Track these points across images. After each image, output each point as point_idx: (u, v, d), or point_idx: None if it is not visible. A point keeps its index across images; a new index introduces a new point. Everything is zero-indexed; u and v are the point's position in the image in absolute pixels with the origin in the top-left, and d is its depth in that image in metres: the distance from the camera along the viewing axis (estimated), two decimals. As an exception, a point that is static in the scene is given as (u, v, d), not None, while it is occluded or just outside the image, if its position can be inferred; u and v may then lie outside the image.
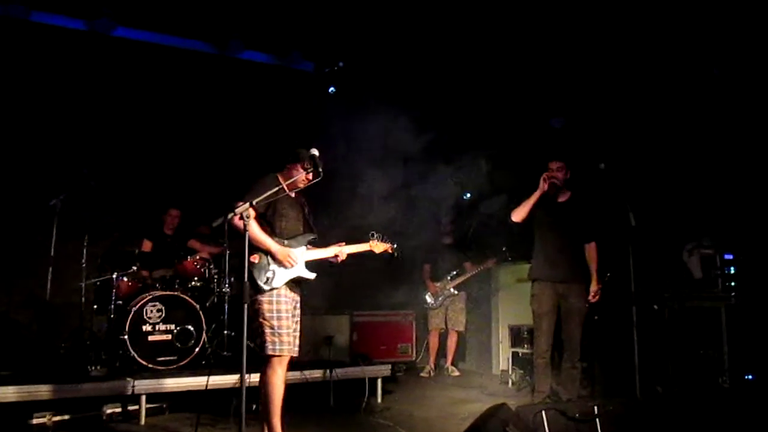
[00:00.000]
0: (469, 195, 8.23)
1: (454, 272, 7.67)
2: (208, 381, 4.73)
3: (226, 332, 6.19)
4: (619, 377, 5.58)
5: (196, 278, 6.37)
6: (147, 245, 6.76)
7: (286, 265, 4.06)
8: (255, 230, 3.95)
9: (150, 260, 6.48)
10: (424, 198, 7.37)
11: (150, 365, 5.63)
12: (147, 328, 5.80)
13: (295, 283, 4.20)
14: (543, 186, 5.29)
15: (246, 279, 3.68)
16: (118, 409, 5.16)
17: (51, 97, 6.71)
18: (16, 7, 6.24)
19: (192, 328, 5.94)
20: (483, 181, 7.78)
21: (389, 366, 6.22)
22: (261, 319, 4.01)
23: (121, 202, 6.74)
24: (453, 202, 7.90)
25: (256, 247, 4.00)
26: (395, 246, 4.53)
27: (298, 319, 4.23)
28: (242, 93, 7.45)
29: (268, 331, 3.99)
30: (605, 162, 5.15)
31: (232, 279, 6.27)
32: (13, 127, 6.62)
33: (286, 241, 4.13)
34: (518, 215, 5.46)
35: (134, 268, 6.14)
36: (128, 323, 5.70)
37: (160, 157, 7.23)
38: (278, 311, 4.04)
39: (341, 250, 4.27)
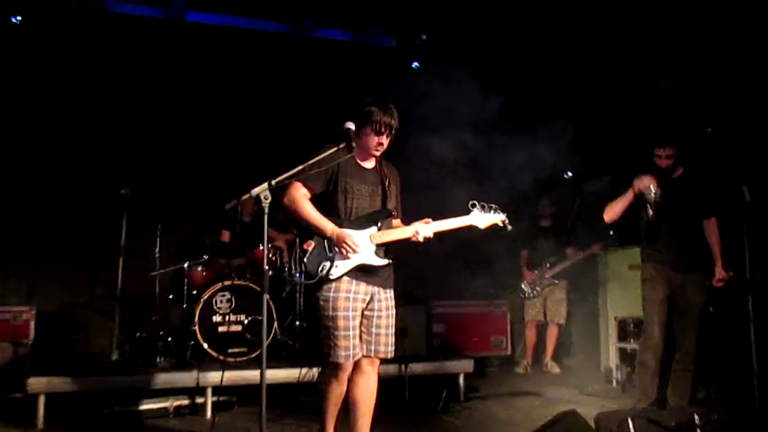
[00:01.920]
0: (570, 173, 7.66)
1: (554, 259, 7.18)
2: (263, 375, 4.54)
3: (298, 323, 6.02)
4: (738, 381, 4.85)
5: (267, 267, 6.21)
6: (225, 234, 6.74)
7: (343, 251, 3.50)
8: (305, 210, 3.50)
9: (227, 249, 6.45)
10: (520, 177, 6.74)
11: (220, 357, 5.58)
12: (217, 318, 5.78)
13: (366, 273, 3.59)
14: (630, 196, 4.78)
15: (265, 268, 3.35)
16: (186, 402, 5.14)
17: (123, 85, 6.83)
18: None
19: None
20: (586, 156, 7.16)
21: (471, 361, 5.83)
22: (318, 319, 3.58)
23: (195, 190, 6.77)
24: (553, 181, 7.42)
25: (309, 232, 3.56)
26: (505, 218, 3.73)
27: (383, 314, 3.65)
28: (319, 73, 7.27)
29: (324, 333, 3.54)
30: (712, 126, 4.43)
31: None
32: (85, 115, 6.78)
33: (350, 223, 3.58)
34: (609, 215, 4.93)
35: (205, 257, 6.12)
36: (197, 313, 5.71)
37: (237, 143, 7.19)
38: (334, 309, 3.50)
39: (425, 228, 3.57)
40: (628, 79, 7.03)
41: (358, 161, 3.69)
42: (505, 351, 7.47)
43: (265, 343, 3.41)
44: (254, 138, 7.18)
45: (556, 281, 7.17)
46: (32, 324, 6.12)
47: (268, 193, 3.21)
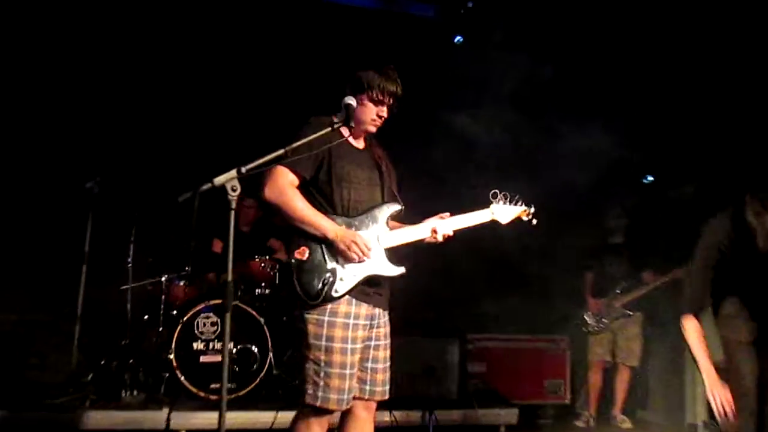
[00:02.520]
0: (650, 178, 7.30)
1: (627, 284, 6.68)
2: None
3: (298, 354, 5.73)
4: None
5: (263, 284, 6.00)
6: (217, 245, 6.52)
7: (352, 258, 3.21)
8: (296, 203, 3.21)
9: (216, 262, 6.24)
10: (582, 178, 6.54)
11: (200, 393, 5.39)
12: (198, 345, 5.57)
13: (369, 289, 3.31)
14: None
15: (230, 280, 2.96)
16: (155, 449, 4.93)
17: (87, 54, 6.65)
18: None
19: (255, 348, 5.62)
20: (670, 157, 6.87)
21: (516, 410, 5.55)
22: (303, 349, 3.24)
23: (182, 185, 6.47)
24: (625, 187, 7.09)
25: (302, 234, 3.25)
26: (531, 210, 3.69)
27: (382, 344, 3.42)
28: (338, 47, 6.88)
29: (310, 367, 3.20)
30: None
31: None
32: (39, 91, 6.62)
33: (351, 220, 3.32)
34: None
35: (187, 269, 5.91)
36: (175, 339, 5.50)
37: (239, 126, 6.89)
38: (329, 338, 3.18)
39: (444, 225, 3.41)
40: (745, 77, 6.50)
41: (350, 140, 3.45)
42: (563, 399, 7.11)
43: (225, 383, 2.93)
44: (261, 122, 6.87)
45: (629, 313, 6.70)
46: None
47: (236, 182, 2.93)
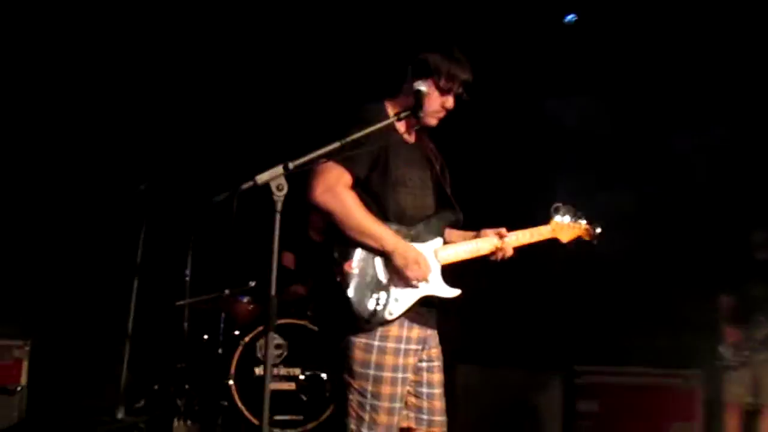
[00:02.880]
0: None
1: None
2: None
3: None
4: None
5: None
6: (287, 258, 6.42)
7: (409, 278, 3.01)
8: (354, 208, 3.01)
9: (286, 276, 6.15)
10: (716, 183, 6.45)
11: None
12: (261, 371, 5.53)
13: (426, 306, 3.13)
14: None
15: (273, 293, 2.76)
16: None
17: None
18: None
19: (325, 376, 5.57)
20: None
21: None
22: (347, 376, 3.04)
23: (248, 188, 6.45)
24: None
25: (349, 243, 3.04)
26: (597, 230, 3.54)
27: (436, 366, 3.25)
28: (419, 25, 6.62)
29: (354, 399, 3.02)
30: None
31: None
32: (84, 94, 6.70)
33: (406, 230, 3.12)
34: None
35: (252, 283, 5.76)
36: (235, 362, 5.50)
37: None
38: (379, 366, 3.00)
39: (505, 241, 3.23)
40: None
41: (403, 135, 3.26)
42: (693, 446, 6.75)
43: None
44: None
45: (778, 345, 6.38)
46: (25, 364, 5.95)
47: (283, 180, 2.74)
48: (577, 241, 3.54)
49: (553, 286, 6.44)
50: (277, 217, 2.73)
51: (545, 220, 3.47)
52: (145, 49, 6.73)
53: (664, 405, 6.64)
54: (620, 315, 6.79)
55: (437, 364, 3.25)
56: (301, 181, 2.92)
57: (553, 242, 3.46)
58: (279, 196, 2.69)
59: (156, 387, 5.63)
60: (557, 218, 3.47)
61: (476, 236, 3.27)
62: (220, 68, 6.90)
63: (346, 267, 2.98)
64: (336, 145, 2.87)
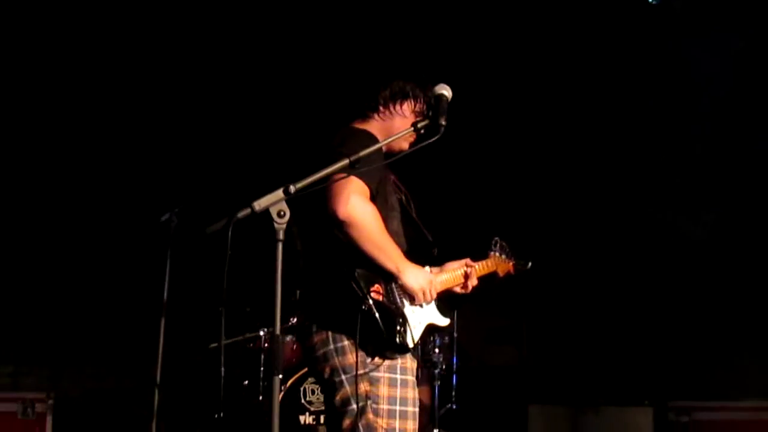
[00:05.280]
0: None
1: None
2: None
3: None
4: None
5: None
6: None
7: (420, 300, 3.08)
8: (377, 224, 2.96)
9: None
10: None
11: None
12: (307, 419, 5.26)
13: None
14: None
15: (278, 332, 2.58)
16: None
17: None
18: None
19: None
20: None
21: None
22: (372, 416, 2.94)
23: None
24: None
25: (369, 266, 2.98)
26: (519, 263, 3.66)
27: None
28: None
29: None
30: None
31: (446, 338, 5.59)
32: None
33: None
34: None
35: (292, 320, 5.24)
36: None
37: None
38: (403, 401, 2.98)
39: (471, 271, 3.35)
40: None
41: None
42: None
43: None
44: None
45: None
46: (49, 419, 5.83)
47: (284, 206, 2.62)
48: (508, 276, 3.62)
49: (642, 307, 6.08)
50: (279, 246, 2.60)
51: (482, 253, 3.52)
52: (165, 82, 6.73)
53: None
54: (723, 341, 6.40)
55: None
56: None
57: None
58: (281, 223, 2.59)
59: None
60: (494, 253, 3.55)
61: (441, 270, 3.29)
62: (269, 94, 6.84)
63: (373, 293, 2.94)
64: (344, 161, 2.77)
